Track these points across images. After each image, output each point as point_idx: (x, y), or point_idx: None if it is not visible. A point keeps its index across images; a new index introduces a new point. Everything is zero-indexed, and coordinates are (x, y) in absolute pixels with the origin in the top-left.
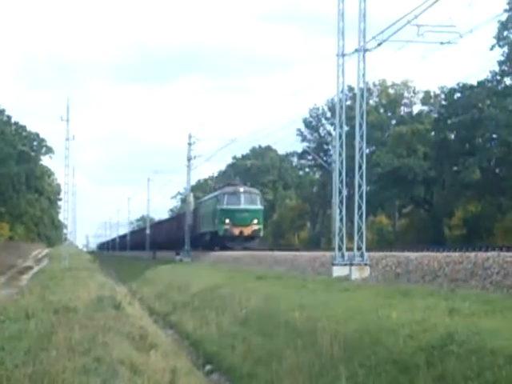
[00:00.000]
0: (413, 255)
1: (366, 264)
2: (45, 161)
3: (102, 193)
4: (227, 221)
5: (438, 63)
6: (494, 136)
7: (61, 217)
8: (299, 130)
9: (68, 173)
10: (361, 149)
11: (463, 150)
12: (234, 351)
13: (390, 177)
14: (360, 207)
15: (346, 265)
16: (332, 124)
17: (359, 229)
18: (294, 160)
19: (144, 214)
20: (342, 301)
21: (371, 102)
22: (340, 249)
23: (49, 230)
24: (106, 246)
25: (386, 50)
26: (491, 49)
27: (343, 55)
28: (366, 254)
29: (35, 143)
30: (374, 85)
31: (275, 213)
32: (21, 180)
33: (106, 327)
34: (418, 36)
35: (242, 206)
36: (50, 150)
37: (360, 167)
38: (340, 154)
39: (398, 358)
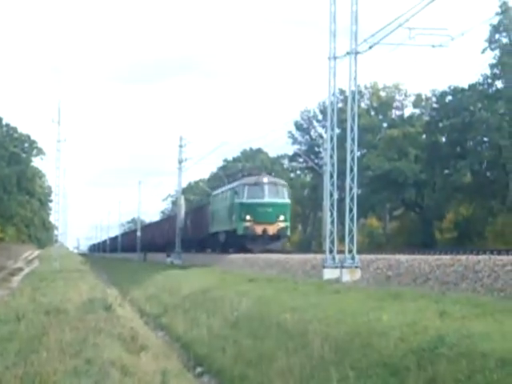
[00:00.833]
0: (403, 258)
1: (356, 266)
2: (36, 162)
3: (93, 195)
4: (248, 217)
5: (429, 66)
6: (485, 139)
7: (52, 218)
8: (290, 132)
9: (59, 174)
10: (352, 151)
11: (454, 153)
12: (224, 353)
13: (381, 180)
14: (351, 210)
15: (336, 267)
16: (323, 126)
17: (350, 231)
18: (285, 162)
19: (135, 216)
20: (333, 303)
21: (363, 104)
22: (331, 251)
23: (39, 232)
24: (96, 248)
25: (377, 53)
26: (483, 52)
27: (335, 58)
28: (356, 257)
29: (26, 145)
30: (366, 87)
31: None
32: (12, 181)
33: (96, 329)
34: (409, 39)
35: (266, 200)
36: (40, 152)
37: (351, 170)
38: (331, 157)
39: (389, 361)
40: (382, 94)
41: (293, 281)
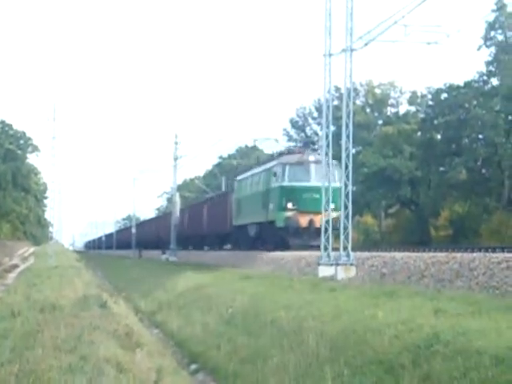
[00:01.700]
0: (399, 255)
1: (351, 264)
2: (31, 159)
3: (89, 192)
4: (290, 205)
5: (425, 63)
6: (481, 136)
7: (47, 215)
8: (285, 129)
9: (54, 171)
10: (347, 149)
11: (449, 151)
12: (219, 351)
13: (377, 177)
14: (346, 207)
15: (331, 265)
16: (319, 124)
17: (345, 229)
18: None
19: (130, 213)
20: (328, 301)
21: (358, 102)
22: (326, 249)
23: (35, 229)
24: (92, 245)
25: (373, 50)
26: (478, 49)
27: (330, 55)
28: (351, 254)
29: (22, 142)
30: (361, 85)
31: None
32: (7, 178)
33: (91, 326)
34: (404, 36)
35: (314, 183)
36: (36, 149)
37: (346, 167)
38: (326, 154)
39: (384, 358)
40: (378, 91)
41: (288, 278)
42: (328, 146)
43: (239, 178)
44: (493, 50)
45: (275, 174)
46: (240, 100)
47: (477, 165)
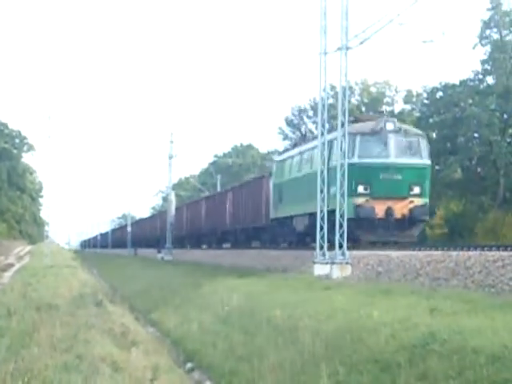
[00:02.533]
0: (394, 254)
1: (347, 262)
2: (26, 158)
3: (84, 190)
4: (361, 189)
5: (420, 62)
6: (476, 135)
7: (42, 214)
8: (281, 128)
9: (49, 170)
10: (343, 147)
11: (445, 149)
12: (215, 349)
13: None
14: (341, 205)
15: (327, 263)
16: (314, 122)
17: (341, 227)
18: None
19: (125, 212)
20: (324, 299)
21: (353, 100)
22: (321, 247)
23: (31, 228)
24: (87, 244)
25: (368, 49)
26: (474, 48)
27: (325, 54)
28: (347, 253)
29: (17, 141)
30: (356, 83)
31: None
32: (2, 177)
33: (87, 324)
34: (400, 34)
35: (393, 160)
36: (31, 148)
37: (341, 166)
38: (322, 153)
39: (380, 357)
40: (373, 89)
41: (283, 277)
42: (323, 144)
43: (280, 157)
44: (488, 48)
45: (341, 149)
46: (235, 99)
47: (472, 163)
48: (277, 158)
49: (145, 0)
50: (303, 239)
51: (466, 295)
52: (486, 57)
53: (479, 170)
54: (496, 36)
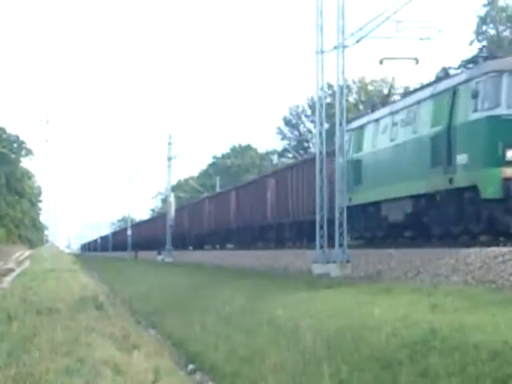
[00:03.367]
0: (394, 251)
1: (347, 261)
2: (25, 163)
3: (84, 194)
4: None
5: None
6: None
7: (42, 218)
8: (279, 128)
9: (48, 174)
10: (341, 146)
11: None
12: (217, 350)
13: None
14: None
15: (327, 262)
16: (312, 121)
17: (340, 225)
18: (275, 158)
19: (125, 214)
20: (324, 298)
21: (350, 99)
22: (321, 246)
23: (30, 232)
24: (87, 247)
25: (365, 47)
26: (470, 44)
27: (322, 52)
28: (347, 251)
29: (15, 145)
30: (354, 82)
31: None
32: (1, 182)
33: (88, 328)
34: (396, 32)
35: None
36: (29, 152)
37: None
38: (320, 152)
39: (381, 355)
40: (370, 87)
41: (284, 276)
42: (322, 143)
43: (355, 124)
44: (485, 44)
45: (475, 95)
46: (233, 99)
47: None
48: (352, 125)
49: (143, 1)
50: (399, 233)
51: (467, 291)
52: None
53: None
54: (492, 32)
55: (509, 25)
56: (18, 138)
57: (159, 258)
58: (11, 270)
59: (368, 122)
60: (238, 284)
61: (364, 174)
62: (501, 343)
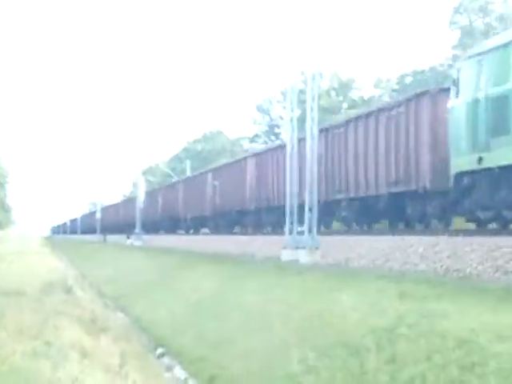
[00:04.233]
0: (364, 238)
1: (316, 248)
2: None
3: (55, 177)
4: None
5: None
6: None
7: (9, 200)
8: (250, 113)
9: (17, 156)
10: (312, 132)
11: None
12: (185, 335)
13: None
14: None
15: (296, 248)
16: (284, 107)
17: (310, 211)
18: (246, 144)
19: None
20: (293, 284)
21: (323, 85)
22: (291, 232)
23: None
24: (57, 230)
25: (339, 34)
26: (443, 33)
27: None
28: (316, 238)
29: None
30: (326, 68)
31: None
32: None
33: (56, 311)
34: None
35: None
36: None
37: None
38: (291, 138)
39: (349, 341)
40: (342, 75)
41: (253, 262)
42: (293, 129)
43: (492, 43)
44: (459, 33)
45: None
46: (206, 86)
47: None
48: (479, 48)
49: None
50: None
51: (435, 280)
52: (455, 42)
53: None
54: (465, 21)
55: (481, 15)
56: None
57: (128, 241)
58: None
59: (492, 50)
60: (206, 269)
61: (489, 124)
62: (467, 331)
